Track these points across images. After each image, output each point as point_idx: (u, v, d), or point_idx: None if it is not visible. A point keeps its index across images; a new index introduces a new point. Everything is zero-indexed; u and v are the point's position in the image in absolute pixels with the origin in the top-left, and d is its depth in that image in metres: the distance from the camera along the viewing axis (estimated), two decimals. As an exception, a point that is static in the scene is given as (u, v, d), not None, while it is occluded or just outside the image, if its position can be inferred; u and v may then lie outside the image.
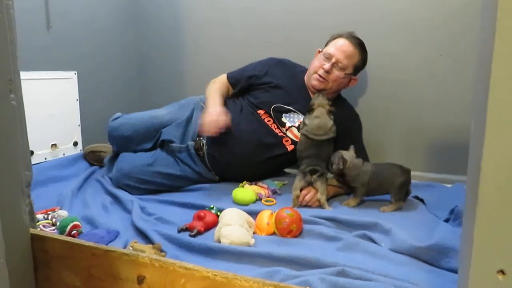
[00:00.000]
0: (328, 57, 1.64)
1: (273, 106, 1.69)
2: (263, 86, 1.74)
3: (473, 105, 0.58)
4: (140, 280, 0.75)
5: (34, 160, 1.73)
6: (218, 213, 1.30)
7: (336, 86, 1.69)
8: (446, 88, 1.76)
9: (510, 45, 0.42)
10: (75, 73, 1.95)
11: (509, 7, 0.43)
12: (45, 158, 1.80)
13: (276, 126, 1.68)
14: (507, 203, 0.45)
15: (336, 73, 1.65)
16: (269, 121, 1.69)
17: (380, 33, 1.82)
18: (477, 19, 1.67)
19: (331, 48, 1.65)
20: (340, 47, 1.64)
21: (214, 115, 1.58)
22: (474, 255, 0.46)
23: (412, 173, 1.82)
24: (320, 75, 1.65)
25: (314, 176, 1.46)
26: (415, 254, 1.07)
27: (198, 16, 2.22)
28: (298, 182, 1.48)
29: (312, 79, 1.69)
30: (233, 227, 1.17)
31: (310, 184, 1.48)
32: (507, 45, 0.42)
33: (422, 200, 1.50)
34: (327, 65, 1.63)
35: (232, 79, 1.81)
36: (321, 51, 1.70)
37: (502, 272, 0.45)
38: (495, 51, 0.41)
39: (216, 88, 1.75)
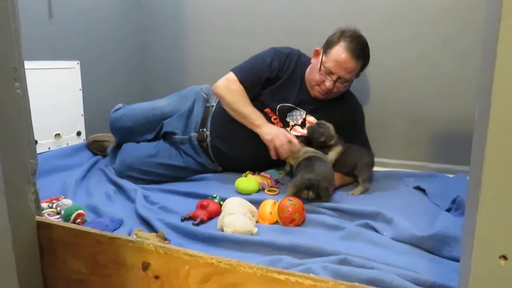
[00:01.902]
0: (329, 73, 1.56)
1: (278, 106, 1.66)
2: (271, 86, 1.67)
3: (478, 93, 0.58)
4: (145, 266, 0.76)
5: (38, 149, 1.68)
6: (221, 202, 1.31)
7: (339, 93, 1.66)
8: (449, 79, 1.76)
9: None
10: (77, 63, 1.95)
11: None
12: (49, 148, 1.81)
13: (281, 126, 1.67)
14: (509, 190, 0.45)
15: (338, 86, 1.60)
16: (275, 119, 1.68)
17: (382, 23, 1.81)
18: (481, 8, 1.66)
19: (332, 64, 1.54)
20: (341, 65, 1.54)
21: (283, 138, 1.53)
22: (477, 241, 0.46)
23: (415, 163, 1.85)
24: (323, 90, 1.61)
25: (311, 194, 1.36)
26: (417, 243, 1.08)
27: (200, 6, 2.20)
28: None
29: (314, 91, 1.64)
30: (236, 216, 1.18)
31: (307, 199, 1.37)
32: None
33: (423, 190, 1.51)
34: (329, 83, 1.57)
35: (247, 83, 1.64)
36: (320, 51, 1.62)
37: (504, 257, 0.46)
38: (500, 38, 0.41)
39: (246, 98, 1.62)
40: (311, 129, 1.60)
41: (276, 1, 2.01)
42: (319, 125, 1.59)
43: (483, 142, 0.45)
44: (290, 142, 1.53)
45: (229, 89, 1.63)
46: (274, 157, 1.54)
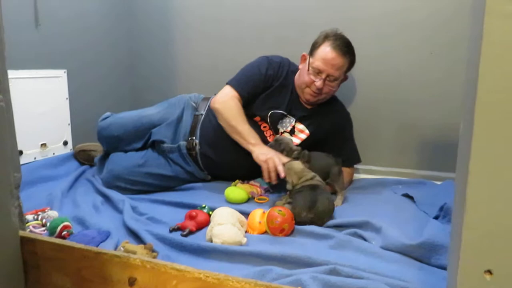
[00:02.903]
0: (318, 72, 1.58)
1: (270, 113, 1.67)
2: (263, 94, 1.68)
3: (462, 107, 0.59)
4: (132, 282, 0.75)
5: (23, 160, 1.71)
6: (210, 212, 1.30)
7: (330, 94, 1.68)
8: (437, 87, 1.78)
9: (497, 48, 0.43)
10: (64, 72, 1.92)
11: (496, 11, 0.43)
12: (35, 158, 1.78)
13: (271, 133, 1.67)
14: (494, 205, 0.46)
15: (329, 85, 1.61)
16: (264, 127, 1.68)
17: (372, 32, 1.83)
18: (467, 19, 1.69)
19: (319, 63, 1.57)
20: (329, 62, 1.56)
21: (277, 160, 1.44)
22: (462, 256, 0.47)
23: (403, 170, 1.86)
24: (313, 91, 1.61)
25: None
26: (406, 252, 1.09)
27: (190, 13, 2.20)
28: None
29: (305, 94, 1.65)
30: (225, 226, 1.17)
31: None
32: (494, 48, 0.43)
33: (412, 198, 1.52)
34: (319, 82, 1.58)
35: (245, 94, 1.64)
36: (306, 56, 1.64)
37: (489, 272, 0.46)
38: (482, 55, 0.42)
39: (242, 116, 1.60)
40: (271, 148, 1.55)
41: (266, 9, 2.02)
42: (277, 143, 1.56)
43: (467, 157, 0.46)
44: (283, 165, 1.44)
45: (227, 105, 1.61)
46: (267, 179, 1.48)
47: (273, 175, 1.44)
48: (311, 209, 1.28)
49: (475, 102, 0.46)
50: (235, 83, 1.65)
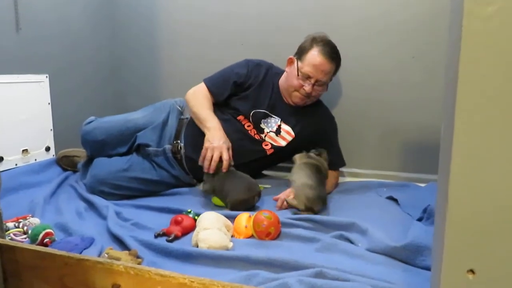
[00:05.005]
0: (307, 77, 1.61)
1: (252, 112, 1.69)
2: (243, 93, 1.71)
3: (443, 110, 0.60)
4: (115, 288, 0.73)
5: (4, 166, 1.67)
6: (196, 217, 1.29)
7: (318, 97, 1.72)
8: (419, 90, 1.80)
9: (476, 50, 0.44)
10: (46, 76, 1.89)
11: (474, 13, 0.44)
12: (16, 164, 1.75)
13: (255, 132, 1.69)
14: (476, 205, 0.46)
15: (317, 89, 1.65)
16: (249, 126, 1.69)
17: (354, 37, 1.85)
18: (447, 23, 1.71)
19: (309, 68, 1.60)
20: (318, 68, 1.59)
21: (216, 154, 1.48)
22: (445, 255, 0.47)
23: (387, 173, 1.88)
24: (302, 95, 1.64)
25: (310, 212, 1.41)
26: (391, 254, 1.09)
27: (174, 18, 2.20)
28: None
29: (293, 97, 1.67)
30: (211, 231, 1.16)
31: None
32: (473, 50, 0.44)
33: (396, 200, 1.53)
34: (308, 87, 1.61)
35: (214, 89, 1.70)
36: (294, 59, 1.66)
37: (472, 271, 0.47)
38: (461, 57, 0.43)
39: (206, 103, 1.66)
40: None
41: (250, 15, 2.02)
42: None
43: (448, 158, 0.46)
44: (220, 161, 1.49)
45: (194, 95, 1.70)
46: (200, 162, 1.52)
47: (212, 165, 1.48)
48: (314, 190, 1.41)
49: (455, 104, 0.47)
50: (208, 80, 1.73)
